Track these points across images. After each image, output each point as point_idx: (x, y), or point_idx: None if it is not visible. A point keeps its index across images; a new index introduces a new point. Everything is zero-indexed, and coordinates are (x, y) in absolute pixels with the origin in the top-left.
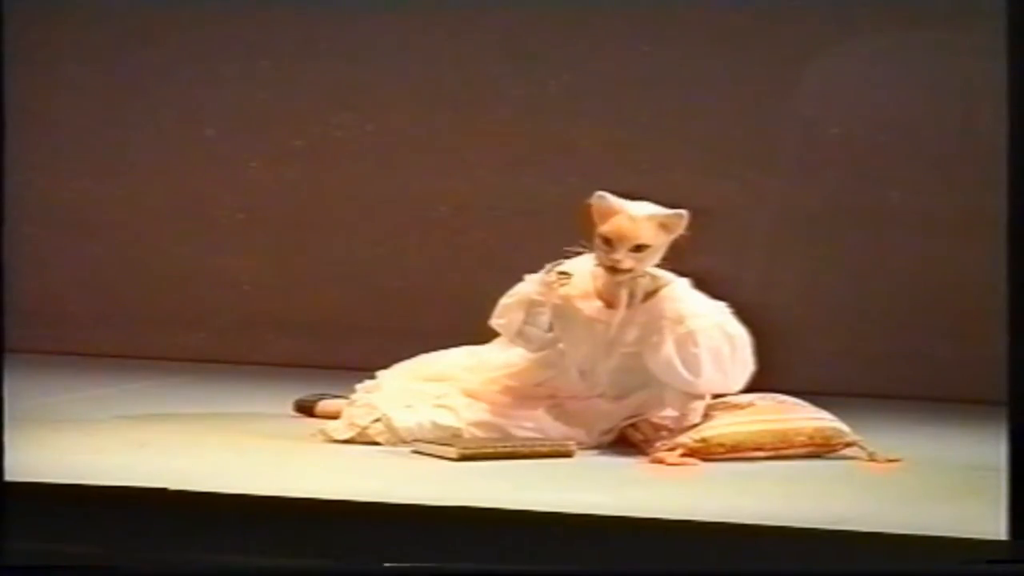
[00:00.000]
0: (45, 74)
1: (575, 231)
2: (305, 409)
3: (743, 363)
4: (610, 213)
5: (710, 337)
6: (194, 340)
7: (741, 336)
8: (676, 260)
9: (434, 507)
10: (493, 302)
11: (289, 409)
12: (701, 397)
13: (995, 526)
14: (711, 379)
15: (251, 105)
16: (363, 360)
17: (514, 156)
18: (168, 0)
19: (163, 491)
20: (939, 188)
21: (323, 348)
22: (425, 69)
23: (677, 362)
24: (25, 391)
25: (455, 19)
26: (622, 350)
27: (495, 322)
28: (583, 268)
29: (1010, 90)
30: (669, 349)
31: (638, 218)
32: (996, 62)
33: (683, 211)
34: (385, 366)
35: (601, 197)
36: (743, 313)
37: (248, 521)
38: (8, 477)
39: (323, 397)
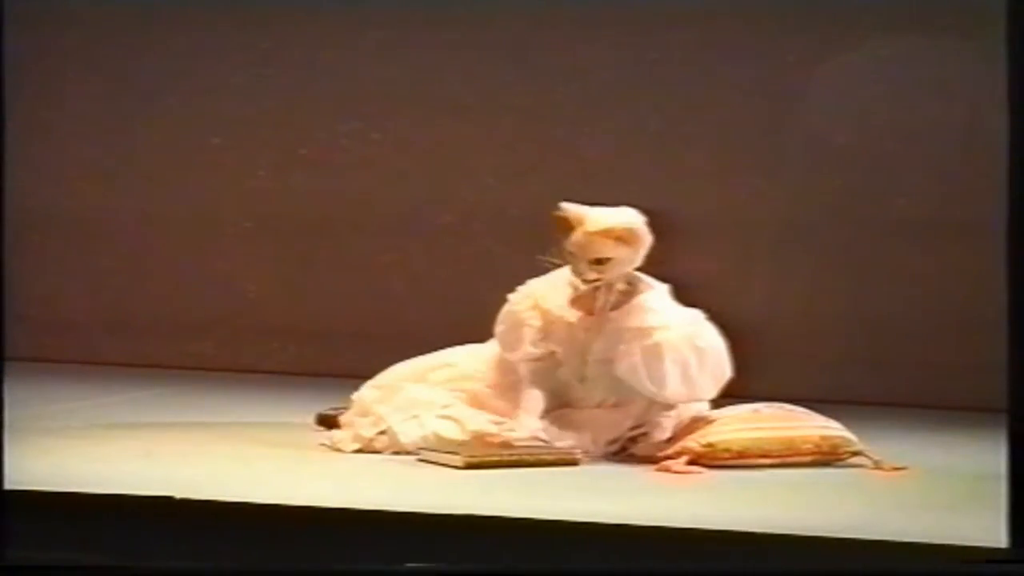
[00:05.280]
0: (51, 81)
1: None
2: (327, 421)
3: (713, 374)
4: (571, 226)
5: (676, 350)
6: (200, 348)
7: (712, 348)
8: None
9: (439, 515)
10: (498, 310)
11: (296, 417)
12: (673, 407)
13: (1001, 535)
14: (676, 391)
15: (257, 114)
16: (369, 368)
17: (520, 164)
18: (174, 8)
19: (169, 500)
20: (943, 196)
21: (329, 356)
22: (430, 77)
23: (643, 373)
24: (30, 399)
25: (461, 27)
26: (592, 359)
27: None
28: (562, 279)
29: (1010, 96)
30: (636, 360)
31: (594, 233)
32: (1001, 69)
33: (635, 225)
34: None
35: (563, 209)
36: (747, 320)
37: (254, 529)
38: (13, 485)
39: (345, 409)
